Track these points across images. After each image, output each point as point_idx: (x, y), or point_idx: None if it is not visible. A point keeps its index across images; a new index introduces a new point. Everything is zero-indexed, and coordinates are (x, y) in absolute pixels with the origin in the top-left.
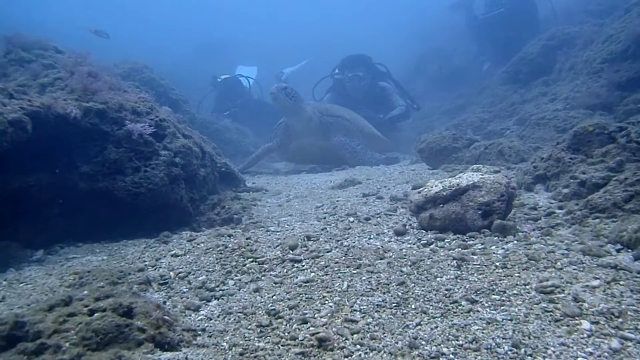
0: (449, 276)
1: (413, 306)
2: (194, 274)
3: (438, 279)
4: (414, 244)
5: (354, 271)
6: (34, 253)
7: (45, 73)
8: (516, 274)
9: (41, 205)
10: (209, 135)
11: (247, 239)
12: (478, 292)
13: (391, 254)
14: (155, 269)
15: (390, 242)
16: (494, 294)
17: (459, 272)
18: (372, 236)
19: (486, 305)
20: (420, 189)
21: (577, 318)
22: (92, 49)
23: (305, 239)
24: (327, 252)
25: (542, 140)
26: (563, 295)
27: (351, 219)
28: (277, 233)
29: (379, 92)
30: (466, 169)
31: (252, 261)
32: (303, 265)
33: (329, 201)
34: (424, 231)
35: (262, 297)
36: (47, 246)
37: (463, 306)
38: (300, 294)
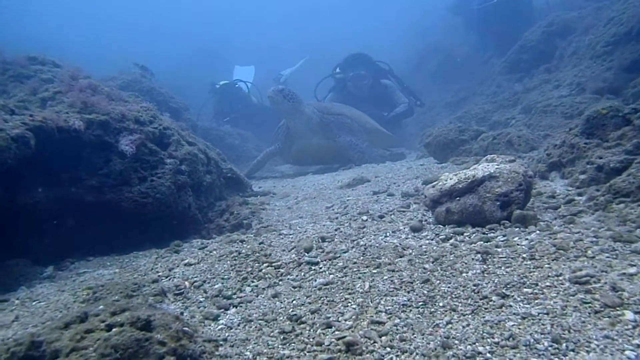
0: (475, 271)
1: (441, 304)
2: (209, 282)
3: (464, 274)
4: (432, 240)
5: (374, 271)
6: (44, 270)
7: (45, 87)
8: (546, 265)
9: (49, 220)
10: (211, 141)
11: (260, 243)
12: (508, 286)
13: (411, 251)
14: (169, 279)
15: (407, 239)
16: (525, 287)
17: (485, 266)
18: (388, 234)
19: (518, 299)
20: (435, 183)
21: (618, 308)
22: (87, 61)
23: (320, 240)
24: (344, 252)
25: (550, 127)
26: (599, 284)
27: (364, 217)
28: (290, 236)
29: (382, 90)
30: (477, 160)
31: (267, 266)
32: (320, 268)
33: (339, 201)
34: (441, 226)
35: (281, 302)
36: (57, 262)
37: (494, 301)
38: (321, 297)
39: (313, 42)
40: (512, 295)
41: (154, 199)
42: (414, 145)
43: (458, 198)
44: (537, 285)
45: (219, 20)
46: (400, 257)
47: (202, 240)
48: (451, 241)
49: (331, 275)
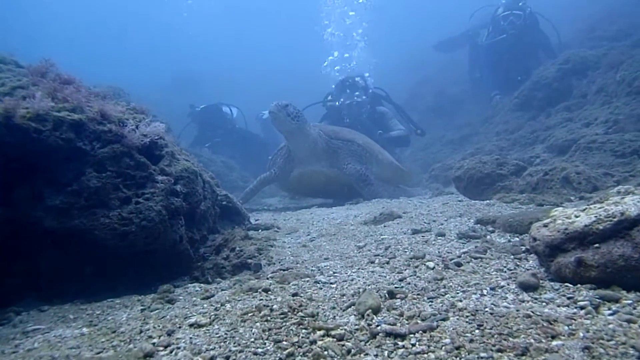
0: None
1: None
2: None
3: None
4: (568, 306)
5: None
6: None
7: (0, 82)
8: None
9: None
10: None
11: (293, 295)
12: None
13: (564, 327)
14: (170, 353)
15: (525, 302)
16: None
17: None
18: (484, 291)
19: None
20: (548, 222)
21: None
22: None
23: (387, 295)
24: (441, 319)
25: (600, 166)
26: None
27: (430, 264)
28: (332, 286)
29: (378, 118)
30: (532, 199)
31: (323, 335)
32: (413, 345)
33: (371, 240)
34: (569, 285)
35: None
36: None
37: None
38: None
39: (299, 73)
40: None
41: (139, 227)
42: (412, 183)
43: (597, 245)
44: None
45: (197, 46)
46: (552, 337)
47: (199, 284)
48: (610, 312)
49: None
